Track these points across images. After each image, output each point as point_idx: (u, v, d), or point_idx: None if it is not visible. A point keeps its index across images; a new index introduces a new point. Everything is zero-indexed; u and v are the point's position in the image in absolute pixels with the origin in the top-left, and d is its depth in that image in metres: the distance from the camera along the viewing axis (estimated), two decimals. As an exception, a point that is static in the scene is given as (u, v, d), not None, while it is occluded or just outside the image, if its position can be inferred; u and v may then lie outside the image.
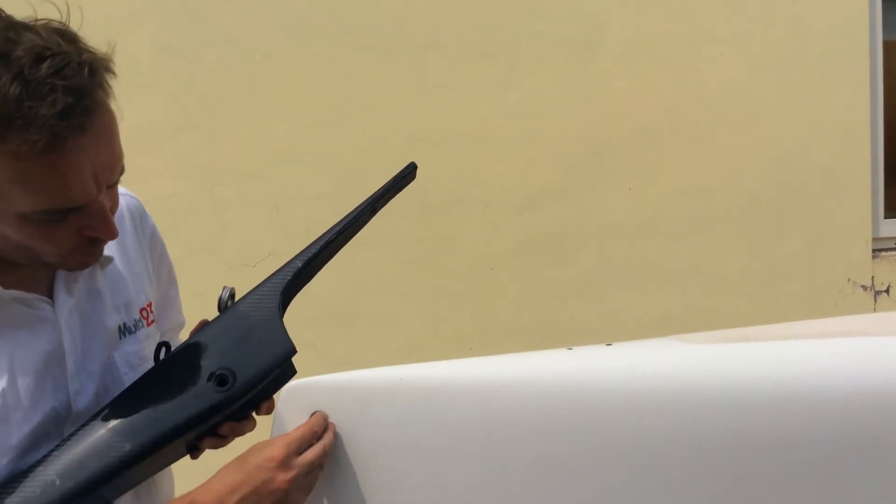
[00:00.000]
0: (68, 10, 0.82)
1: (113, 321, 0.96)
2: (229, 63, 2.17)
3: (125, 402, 0.88)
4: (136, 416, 0.86)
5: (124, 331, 0.97)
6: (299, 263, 0.97)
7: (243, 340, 0.91)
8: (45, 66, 0.73)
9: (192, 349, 0.91)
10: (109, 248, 0.97)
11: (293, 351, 0.91)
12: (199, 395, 0.87)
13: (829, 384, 0.85)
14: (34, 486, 0.82)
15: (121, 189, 1.00)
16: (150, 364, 0.98)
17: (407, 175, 1.07)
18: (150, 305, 1.03)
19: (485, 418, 0.91)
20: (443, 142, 2.28)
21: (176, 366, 0.90)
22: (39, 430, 0.86)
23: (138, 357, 0.98)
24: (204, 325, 0.95)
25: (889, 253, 2.63)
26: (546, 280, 2.36)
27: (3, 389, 0.83)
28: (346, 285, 2.22)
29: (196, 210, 2.16)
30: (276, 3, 2.20)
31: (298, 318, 2.15)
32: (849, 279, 2.56)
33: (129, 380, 0.94)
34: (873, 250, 2.59)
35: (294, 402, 0.96)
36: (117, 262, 0.99)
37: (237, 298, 0.96)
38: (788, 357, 0.90)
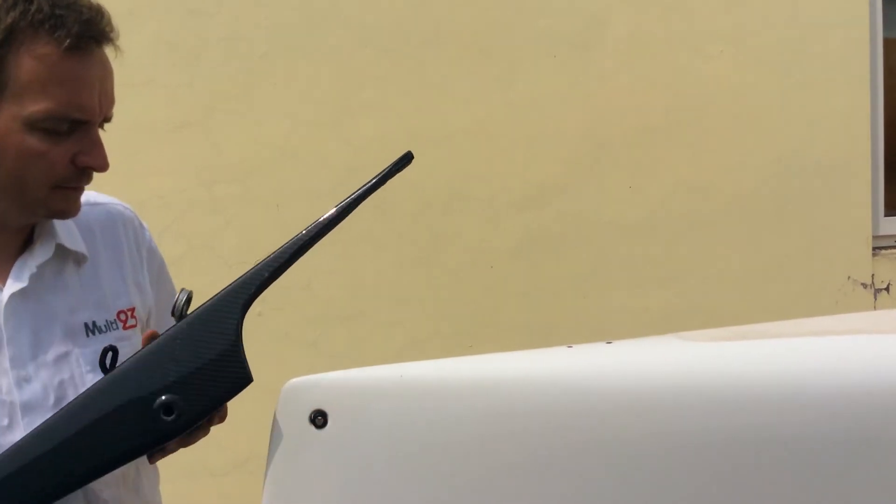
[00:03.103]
0: None
1: (79, 317, 0.96)
2: (229, 60, 2.17)
3: (66, 422, 0.82)
4: (77, 441, 0.81)
5: (93, 329, 0.97)
6: (266, 274, 0.87)
7: (196, 363, 0.83)
8: None
9: (141, 367, 0.84)
10: (97, 250, 0.98)
11: (249, 380, 0.85)
12: (144, 423, 0.81)
13: (828, 382, 0.85)
14: None
15: (115, 200, 1.06)
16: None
17: (401, 164, 1.01)
18: (132, 310, 1.02)
19: (485, 416, 0.91)
20: (443, 139, 2.28)
21: (122, 385, 0.83)
22: None
23: None
24: (154, 338, 0.87)
25: (889, 251, 2.63)
26: (546, 277, 2.36)
27: None
28: (346, 283, 2.22)
29: (196, 208, 2.16)
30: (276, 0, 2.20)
31: (299, 316, 2.17)
32: (849, 277, 2.56)
33: (91, 380, 0.93)
34: (873, 248, 2.58)
35: (294, 401, 0.96)
36: (101, 262, 0.99)
37: (196, 305, 0.88)
38: (788, 355, 0.90)
